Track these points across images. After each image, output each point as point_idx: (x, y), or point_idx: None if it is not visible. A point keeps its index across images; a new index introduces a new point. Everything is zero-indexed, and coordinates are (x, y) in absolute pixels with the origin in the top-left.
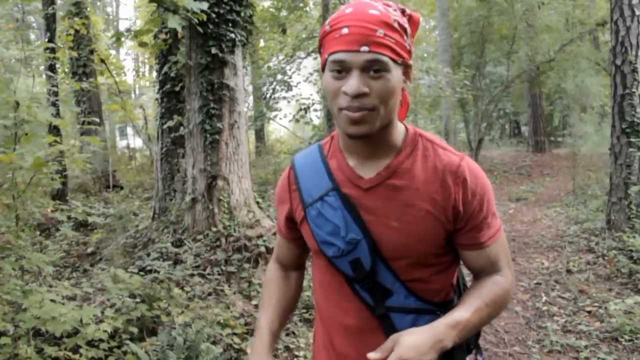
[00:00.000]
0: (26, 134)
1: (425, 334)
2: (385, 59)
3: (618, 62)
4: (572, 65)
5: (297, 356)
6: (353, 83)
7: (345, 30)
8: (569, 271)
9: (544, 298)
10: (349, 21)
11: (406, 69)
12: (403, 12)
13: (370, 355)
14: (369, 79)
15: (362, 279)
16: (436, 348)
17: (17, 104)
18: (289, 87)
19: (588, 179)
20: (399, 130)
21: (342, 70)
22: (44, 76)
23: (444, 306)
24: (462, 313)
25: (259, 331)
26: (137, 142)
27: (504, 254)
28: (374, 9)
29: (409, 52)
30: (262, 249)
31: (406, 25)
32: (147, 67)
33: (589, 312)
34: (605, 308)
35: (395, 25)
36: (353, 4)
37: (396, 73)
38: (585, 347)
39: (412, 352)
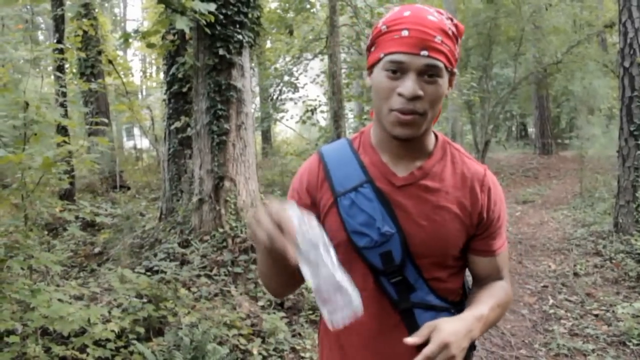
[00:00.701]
0: (35, 134)
1: (460, 323)
2: (440, 64)
3: (626, 64)
4: (580, 67)
5: (303, 357)
6: (410, 85)
7: (405, 33)
8: (576, 274)
9: (551, 301)
10: (409, 24)
11: (451, 76)
12: (451, 20)
13: (408, 339)
14: (423, 82)
15: (391, 272)
16: (469, 337)
17: (27, 104)
18: (296, 89)
19: (595, 182)
20: (432, 136)
21: (398, 71)
22: (52, 77)
23: (457, 305)
24: (482, 308)
25: None
26: (144, 143)
27: (506, 265)
28: (431, 15)
29: (457, 61)
30: None
31: (457, 34)
32: (154, 68)
33: (597, 315)
34: (613, 311)
35: (450, 33)
36: (410, 7)
37: (445, 80)
38: (593, 350)
39: (453, 337)
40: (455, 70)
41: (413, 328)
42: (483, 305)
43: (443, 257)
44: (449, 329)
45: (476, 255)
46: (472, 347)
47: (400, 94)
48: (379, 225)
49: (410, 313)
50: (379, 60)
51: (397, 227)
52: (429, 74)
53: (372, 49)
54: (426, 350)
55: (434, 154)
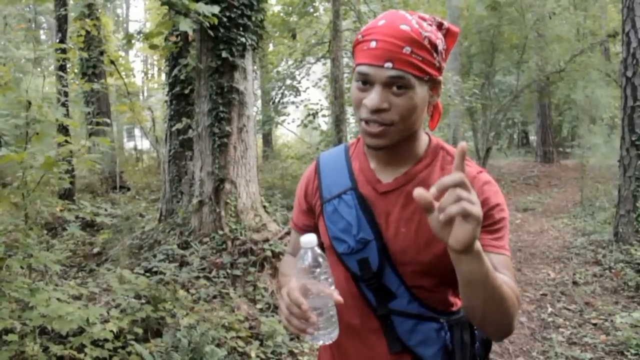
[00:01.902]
0: (37, 134)
1: None
2: (408, 76)
3: (629, 74)
4: (582, 76)
5: None
6: (373, 97)
7: (373, 44)
8: (575, 283)
9: (550, 309)
10: (378, 35)
11: (434, 84)
12: (440, 26)
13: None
14: (391, 94)
15: (368, 278)
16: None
17: (29, 103)
18: (298, 92)
19: (596, 191)
20: (422, 140)
21: (367, 82)
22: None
23: (449, 315)
24: None
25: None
26: (144, 144)
27: (509, 270)
28: (405, 23)
29: (439, 69)
30: (268, 253)
31: (438, 42)
32: (156, 69)
33: (595, 324)
34: (612, 321)
35: (425, 42)
36: (386, 16)
37: (420, 90)
38: (591, 359)
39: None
40: (439, 78)
41: (391, 335)
42: None
43: (426, 265)
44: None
45: None
46: (488, 343)
47: (365, 106)
48: (355, 232)
49: (388, 319)
50: (355, 70)
51: (375, 234)
52: (397, 85)
53: (354, 59)
54: (445, 180)
55: (423, 159)
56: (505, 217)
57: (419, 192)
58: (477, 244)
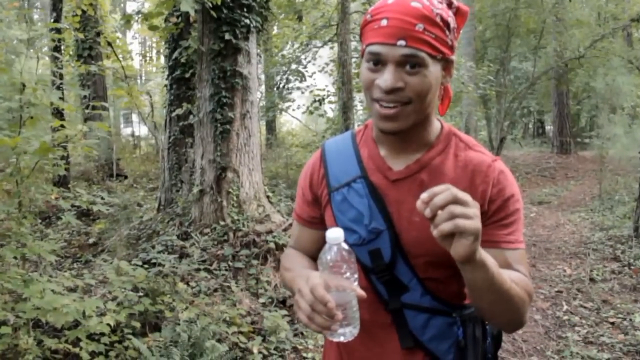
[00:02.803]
0: (31, 118)
1: None
2: (422, 54)
3: None
4: (603, 63)
5: (305, 358)
6: (387, 78)
7: (384, 22)
8: (592, 280)
9: (565, 307)
10: (389, 12)
11: (447, 64)
12: (450, 4)
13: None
14: (405, 74)
15: (380, 270)
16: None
17: (24, 86)
18: (303, 78)
19: (615, 184)
20: (435, 126)
21: (378, 62)
22: (47, 58)
23: (461, 309)
24: None
25: (299, 271)
26: (142, 130)
27: (523, 264)
28: (416, 1)
29: (451, 48)
30: (272, 245)
31: (450, 20)
32: (155, 51)
33: (613, 323)
34: (630, 320)
35: (437, 19)
36: None
37: (434, 69)
38: (608, 359)
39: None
40: (452, 57)
41: (403, 330)
42: None
43: (439, 255)
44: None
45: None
46: (499, 338)
47: (379, 87)
48: (367, 221)
49: (401, 314)
50: (364, 52)
51: (387, 224)
52: (410, 64)
53: (362, 40)
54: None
55: (435, 146)
56: (519, 208)
57: (418, 204)
58: (480, 254)
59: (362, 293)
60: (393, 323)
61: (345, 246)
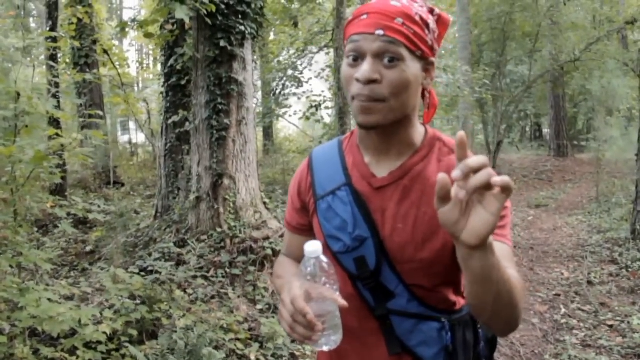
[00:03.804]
0: (26, 126)
1: None
2: (400, 47)
3: None
4: (599, 66)
5: None
6: (365, 69)
7: (364, 17)
8: (590, 283)
9: (563, 310)
10: (369, 9)
11: (427, 65)
12: (432, 11)
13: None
14: (383, 67)
15: (365, 277)
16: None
17: (18, 94)
18: (300, 83)
19: (612, 186)
20: (419, 131)
21: (358, 57)
22: (44, 66)
23: (450, 314)
24: None
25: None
26: (139, 138)
27: (511, 261)
28: (396, 1)
29: (431, 48)
30: (269, 251)
31: (429, 21)
32: (152, 59)
33: (611, 326)
34: (628, 322)
35: (417, 17)
36: None
37: (413, 65)
38: None
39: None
40: (433, 59)
41: (390, 336)
42: None
43: (424, 262)
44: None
45: None
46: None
47: (357, 80)
48: (351, 229)
49: (387, 320)
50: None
51: (372, 231)
52: (388, 58)
53: (345, 44)
54: (470, 161)
55: (419, 151)
56: (508, 206)
57: (442, 176)
58: (491, 237)
59: (343, 302)
60: (380, 329)
61: (324, 259)
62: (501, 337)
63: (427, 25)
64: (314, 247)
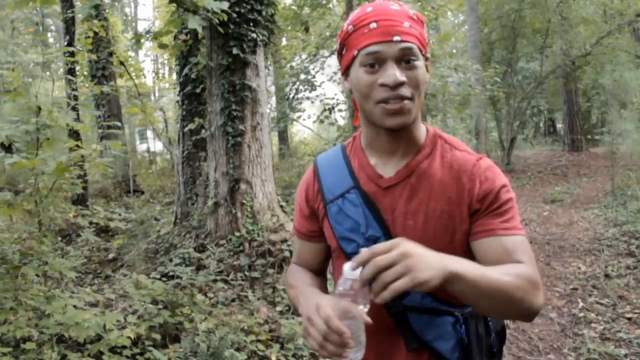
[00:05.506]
0: (48, 139)
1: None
2: (415, 47)
3: None
4: (610, 59)
5: None
6: (392, 73)
7: (373, 25)
8: (607, 276)
9: (581, 304)
10: (375, 17)
11: (426, 61)
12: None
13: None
14: (403, 69)
15: None
16: (441, 263)
17: (39, 108)
18: (313, 87)
19: (628, 179)
20: (421, 129)
21: (376, 63)
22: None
23: (462, 307)
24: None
25: (303, 289)
26: (157, 146)
27: (525, 252)
28: (393, 5)
29: (428, 46)
30: (287, 253)
31: (423, 19)
32: (167, 68)
33: (629, 319)
34: None
35: (415, 18)
36: (372, 4)
37: (422, 63)
38: (625, 355)
39: (416, 250)
40: (429, 55)
41: (407, 332)
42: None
43: None
44: (412, 245)
45: (476, 238)
46: (490, 354)
47: (382, 85)
48: (363, 230)
49: (404, 317)
50: (354, 58)
51: (383, 230)
52: (405, 59)
53: (344, 52)
54: (377, 246)
55: (423, 149)
56: (512, 197)
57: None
58: (447, 268)
59: (369, 320)
60: (396, 326)
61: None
62: (524, 322)
63: (423, 23)
64: (355, 271)
